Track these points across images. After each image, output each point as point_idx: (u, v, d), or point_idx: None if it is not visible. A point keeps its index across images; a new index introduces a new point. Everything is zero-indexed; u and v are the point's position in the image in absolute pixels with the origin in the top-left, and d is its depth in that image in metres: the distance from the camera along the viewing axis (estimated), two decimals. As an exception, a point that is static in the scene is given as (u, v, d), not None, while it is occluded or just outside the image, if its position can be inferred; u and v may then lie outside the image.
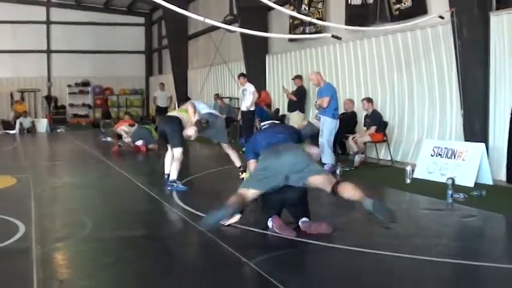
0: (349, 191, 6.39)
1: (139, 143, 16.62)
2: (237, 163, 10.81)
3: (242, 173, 10.27)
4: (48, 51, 32.52)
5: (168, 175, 10.11)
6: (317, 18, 15.49)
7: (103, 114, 30.14)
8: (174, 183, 9.79)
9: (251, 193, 6.58)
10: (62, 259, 6.05)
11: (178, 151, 9.96)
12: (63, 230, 7.23)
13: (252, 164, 7.37)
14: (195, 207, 8.16)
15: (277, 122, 8.04)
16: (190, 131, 9.98)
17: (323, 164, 11.26)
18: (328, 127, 11.82)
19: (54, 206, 8.89)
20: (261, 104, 17.64)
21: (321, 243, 6.26)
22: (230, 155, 10.90)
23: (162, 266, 5.63)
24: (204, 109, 10.66)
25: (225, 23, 15.81)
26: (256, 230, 6.79)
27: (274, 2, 12.81)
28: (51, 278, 5.31)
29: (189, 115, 10.29)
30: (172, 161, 10.10)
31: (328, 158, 11.67)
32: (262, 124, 8.04)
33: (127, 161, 15.02)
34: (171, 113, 11.02)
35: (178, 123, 10.08)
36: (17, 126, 25.63)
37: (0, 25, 30.90)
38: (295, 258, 5.98)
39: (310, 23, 16.02)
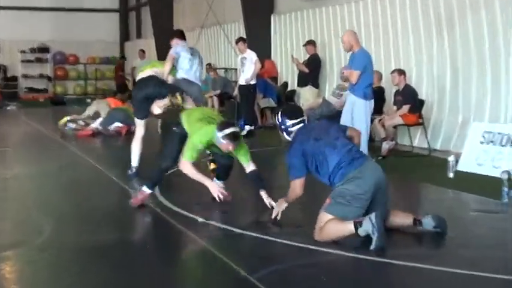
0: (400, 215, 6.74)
1: (114, 126, 16.45)
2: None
3: (211, 164, 10.15)
4: (-5, 8, 32.40)
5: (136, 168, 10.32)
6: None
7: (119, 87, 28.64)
8: (133, 169, 10.32)
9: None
10: (10, 271, 5.98)
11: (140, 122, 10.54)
12: (13, 235, 7.19)
13: (298, 185, 6.90)
14: (181, 205, 8.15)
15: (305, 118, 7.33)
16: (158, 107, 9.89)
17: None
18: (359, 111, 10.98)
19: (2, 204, 8.85)
20: (264, 77, 17.58)
21: (340, 252, 6.21)
22: None
23: (141, 280, 5.58)
24: (184, 67, 10.92)
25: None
26: (258, 235, 6.75)
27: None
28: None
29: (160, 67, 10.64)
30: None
31: (362, 149, 11.08)
32: (288, 126, 7.17)
33: (97, 147, 14.98)
34: (143, 74, 10.51)
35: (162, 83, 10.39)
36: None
37: None
38: (307, 272, 5.87)
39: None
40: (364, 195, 6.43)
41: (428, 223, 6.65)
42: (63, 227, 7.48)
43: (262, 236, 6.72)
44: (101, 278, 5.70)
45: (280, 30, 19.12)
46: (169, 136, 8.55)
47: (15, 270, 6.02)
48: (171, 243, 6.94)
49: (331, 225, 6.35)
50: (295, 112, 7.30)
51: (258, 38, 18.73)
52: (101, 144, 15.39)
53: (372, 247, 6.07)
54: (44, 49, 32.91)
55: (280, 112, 7.25)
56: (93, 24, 33.06)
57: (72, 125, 17.23)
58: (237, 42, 17.20)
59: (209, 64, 22.01)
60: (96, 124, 16.78)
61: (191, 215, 7.61)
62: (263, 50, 18.31)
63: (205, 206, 8.29)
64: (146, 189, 8.14)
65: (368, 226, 6.10)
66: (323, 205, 6.56)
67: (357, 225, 6.17)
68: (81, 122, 17.32)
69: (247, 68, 16.45)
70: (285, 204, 7.09)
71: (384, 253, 6.04)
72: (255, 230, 6.96)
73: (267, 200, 7.66)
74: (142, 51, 25.96)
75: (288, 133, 7.12)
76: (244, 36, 18.24)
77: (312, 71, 15.83)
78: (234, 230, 6.95)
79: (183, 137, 8.07)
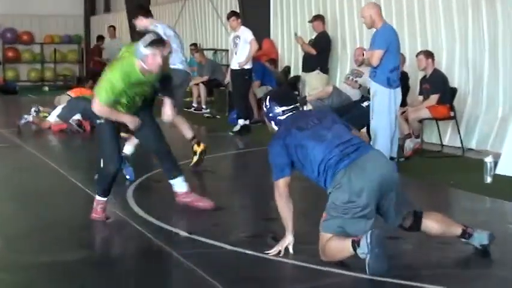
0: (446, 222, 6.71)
1: (75, 119, 16.48)
2: (188, 134, 11.32)
3: (198, 145, 11.20)
4: None
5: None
6: None
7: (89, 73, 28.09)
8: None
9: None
10: None
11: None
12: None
13: (281, 185, 6.73)
14: (159, 217, 8.24)
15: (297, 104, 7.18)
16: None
17: None
18: (381, 102, 10.82)
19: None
20: (261, 60, 17.65)
21: (345, 272, 6.23)
22: (178, 125, 11.28)
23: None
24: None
25: None
26: (252, 252, 6.79)
27: None
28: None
29: None
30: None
31: (383, 150, 10.48)
32: (277, 114, 6.99)
33: (59, 146, 15.03)
34: None
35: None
36: None
37: None
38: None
39: None
40: (357, 202, 6.23)
41: (479, 239, 6.55)
42: (19, 244, 7.53)
43: (257, 254, 6.73)
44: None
45: (281, 3, 19.16)
46: (98, 133, 8.34)
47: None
48: (146, 262, 6.97)
49: (332, 246, 6.27)
50: (286, 97, 7.16)
51: (254, 13, 18.76)
52: (63, 143, 15.43)
53: (367, 272, 5.97)
54: None
55: (268, 96, 7.07)
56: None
57: (28, 117, 17.21)
58: (228, 17, 17.17)
59: (194, 44, 22.07)
60: (52, 117, 16.78)
61: (172, 228, 7.69)
62: (260, 27, 18.35)
63: (189, 217, 8.38)
64: (100, 198, 8.23)
65: (364, 247, 5.96)
66: (320, 221, 6.49)
67: (355, 245, 6.04)
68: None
69: (240, 49, 16.43)
70: (289, 239, 6.75)
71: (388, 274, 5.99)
72: (248, 246, 6.98)
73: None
74: (113, 27, 25.98)
75: (277, 123, 6.93)
76: (238, 10, 18.30)
77: (320, 53, 15.83)
78: (224, 246, 7.00)
79: (113, 127, 8.10)
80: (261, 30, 18.01)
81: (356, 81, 13.59)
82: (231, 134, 15.22)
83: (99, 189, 8.28)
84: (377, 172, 6.34)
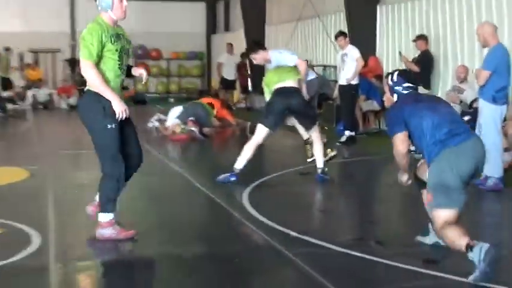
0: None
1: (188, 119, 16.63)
2: (320, 164, 11.06)
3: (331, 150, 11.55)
4: (72, -2, 33.15)
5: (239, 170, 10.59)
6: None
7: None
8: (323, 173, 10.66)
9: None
10: (88, 283, 6.21)
11: (316, 130, 10.84)
12: (91, 245, 7.41)
13: (399, 140, 6.67)
14: (273, 218, 8.20)
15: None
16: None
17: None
18: (487, 119, 10.37)
19: (79, 211, 9.06)
20: (368, 76, 17.54)
21: (448, 276, 6.14)
22: (314, 143, 11.15)
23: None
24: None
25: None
26: (357, 254, 6.71)
27: None
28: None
29: (299, 76, 10.94)
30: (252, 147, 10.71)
31: (495, 167, 10.21)
32: (402, 88, 6.95)
33: (182, 152, 15.19)
34: (282, 83, 10.90)
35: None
36: (29, 99, 26.35)
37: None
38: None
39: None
40: (462, 179, 6.32)
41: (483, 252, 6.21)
42: (146, 237, 7.59)
43: (362, 255, 6.67)
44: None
45: (386, 23, 19.00)
46: (102, 137, 7.30)
47: (95, 283, 6.24)
48: (260, 259, 7.02)
49: (448, 235, 6.24)
50: (411, 77, 7.18)
51: (361, 32, 18.65)
52: (185, 148, 15.58)
53: (470, 278, 5.91)
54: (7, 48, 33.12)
55: (396, 72, 7.08)
56: (176, 16, 33.44)
57: (156, 123, 17.43)
58: (336, 36, 17.14)
59: (306, 61, 22.06)
60: (170, 120, 17.09)
61: (283, 229, 7.67)
62: (367, 45, 18.22)
63: (299, 219, 8.35)
64: (110, 215, 7.33)
65: (475, 257, 5.92)
66: (426, 202, 6.55)
67: (468, 248, 6.00)
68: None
69: (348, 66, 16.41)
70: (404, 176, 7.01)
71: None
72: (353, 247, 6.92)
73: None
74: (231, 45, 26.13)
75: (398, 96, 6.91)
76: (346, 30, 18.24)
77: (423, 70, 15.63)
78: (332, 247, 6.96)
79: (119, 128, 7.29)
80: (367, 48, 17.89)
81: (458, 97, 13.41)
82: (338, 144, 15.13)
83: (110, 205, 7.37)
84: (477, 156, 6.47)
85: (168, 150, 15.15)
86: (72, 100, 27.03)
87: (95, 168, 12.74)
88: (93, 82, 7.10)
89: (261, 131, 10.78)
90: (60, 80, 31.12)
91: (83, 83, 24.62)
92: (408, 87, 6.86)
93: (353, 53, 16.23)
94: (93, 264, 6.67)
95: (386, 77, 7.11)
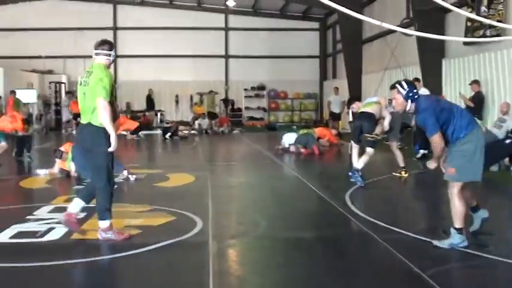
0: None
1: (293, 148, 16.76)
2: (401, 164, 11.39)
3: (405, 173, 11.31)
4: (226, 56, 33.77)
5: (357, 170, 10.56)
6: (497, 21, 14.78)
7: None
8: (356, 172, 10.36)
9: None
10: (235, 255, 6.28)
11: (371, 149, 10.66)
12: (237, 228, 7.50)
13: (439, 137, 6.26)
14: (367, 212, 8.06)
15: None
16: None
17: None
18: None
19: (229, 204, 9.21)
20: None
21: (501, 259, 5.87)
22: (396, 156, 11.42)
23: (333, 269, 5.65)
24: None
25: (401, 27, 15.54)
26: (430, 240, 6.48)
27: (451, 4, 12.38)
28: (226, 272, 5.53)
29: (381, 106, 10.99)
30: (359, 155, 10.84)
31: None
32: (415, 94, 6.52)
33: (300, 163, 15.17)
34: (363, 109, 11.14)
35: (374, 119, 10.71)
36: (196, 126, 26.93)
37: (182, 31, 32.67)
38: (473, 272, 5.71)
39: (490, 26, 15.33)
40: (481, 152, 6.20)
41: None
42: (275, 224, 7.68)
43: (431, 240, 6.43)
44: (303, 264, 5.84)
45: (449, 72, 18.58)
46: (102, 158, 6.54)
47: (240, 255, 6.30)
48: (356, 241, 6.91)
49: (456, 205, 6.19)
50: (414, 83, 6.74)
51: (431, 78, 18.27)
52: (304, 160, 15.56)
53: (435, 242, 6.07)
54: (261, 87, 33.81)
55: (404, 82, 6.60)
56: (298, 68, 33.56)
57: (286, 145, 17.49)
58: (413, 81, 16.90)
59: (390, 100, 21.69)
60: (286, 142, 17.25)
61: (375, 220, 7.52)
62: (435, 88, 17.81)
63: (388, 213, 8.23)
64: (109, 221, 6.63)
65: (455, 241, 6.14)
66: (449, 174, 6.26)
67: (458, 231, 6.18)
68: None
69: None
70: (434, 164, 6.49)
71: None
72: (426, 235, 6.70)
73: None
74: (337, 88, 25.97)
75: (413, 101, 6.44)
76: (419, 77, 17.92)
77: (476, 105, 15.21)
78: (410, 234, 6.78)
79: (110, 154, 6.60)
80: (435, 90, 17.48)
81: (501, 126, 12.99)
82: (415, 159, 14.78)
83: (107, 214, 6.60)
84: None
85: (287, 162, 15.14)
86: (223, 128, 27.54)
87: (240, 175, 13.03)
88: (106, 118, 6.38)
89: (353, 145, 11.16)
90: (217, 113, 31.64)
91: (234, 115, 24.62)
92: (417, 92, 6.51)
93: (425, 93, 15.86)
94: (239, 241, 6.72)
95: (393, 87, 6.65)
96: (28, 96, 27.29)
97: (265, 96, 33.88)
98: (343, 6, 7.57)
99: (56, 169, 11.89)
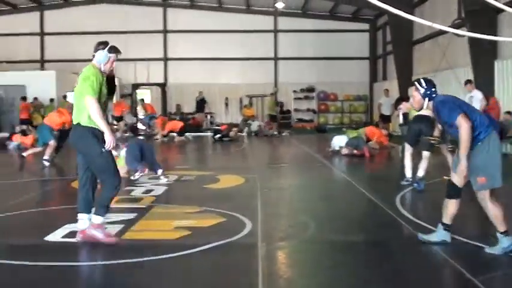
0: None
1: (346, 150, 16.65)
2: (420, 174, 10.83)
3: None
4: (275, 59, 33.84)
5: (411, 178, 10.51)
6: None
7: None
8: (419, 181, 10.25)
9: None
10: (284, 257, 6.27)
11: (428, 153, 10.54)
12: (287, 230, 7.49)
13: (465, 118, 5.98)
14: (418, 216, 7.97)
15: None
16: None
17: None
18: None
19: (279, 206, 9.20)
20: (489, 112, 16.83)
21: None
22: (447, 158, 10.84)
23: (382, 273, 5.59)
24: None
25: (453, 27, 15.32)
26: (482, 245, 6.37)
27: (504, 4, 12.14)
28: (275, 274, 5.53)
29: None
30: (413, 162, 10.69)
31: None
32: (433, 92, 6.36)
33: (349, 165, 15.09)
34: (422, 112, 10.88)
35: (432, 121, 10.46)
36: (245, 129, 27.04)
37: (231, 34, 32.88)
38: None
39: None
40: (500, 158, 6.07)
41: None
42: (324, 227, 7.64)
43: (480, 245, 6.33)
44: (353, 267, 5.81)
45: (502, 73, 18.25)
46: (104, 158, 6.43)
47: (289, 257, 6.29)
48: (406, 245, 6.78)
49: (492, 212, 6.08)
50: (433, 82, 6.53)
51: (483, 80, 17.98)
52: (353, 163, 15.47)
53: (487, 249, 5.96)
54: (311, 89, 33.78)
55: (423, 80, 6.42)
56: (348, 69, 33.44)
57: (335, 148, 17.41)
58: (465, 83, 16.67)
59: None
60: (337, 144, 17.15)
61: (424, 223, 7.41)
62: (487, 89, 17.54)
63: (437, 217, 8.11)
64: (103, 219, 6.56)
65: (505, 244, 5.97)
66: (479, 184, 6.02)
67: (505, 233, 6.01)
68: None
69: (474, 105, 15.85)
70: (464, 165, 6.04)
71: None
72: (475, 239, 6.60)
73: None
74: (387, 90, 25.75)
75: (430, 99, 6.31)
76: (472, 78, 17.65)
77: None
78: (459, 238, 6.62)
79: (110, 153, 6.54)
80: (488, 91, 17.20)
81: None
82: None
83: (104, 210, 6.53)
84: None
85: (337, 164, 15.07)
86: (272, 131, 27.58)
87: (289, 177, 13.02)
88: (96, 115, 6.27)
89: (407, 148, 10.86)
90: (266, 115, 31.72)
91: (283, 117, 24.60)
92: (435, 90, 6.37)
93: (478, 95, 15.76)
94: (288, 244, 6.72)
95: (412, 85, 6.49)
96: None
97: (314, 98, 33.82)
98: (393, 7, 7.52)
99: None
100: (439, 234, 6.41)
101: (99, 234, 6.46)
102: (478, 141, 6.02)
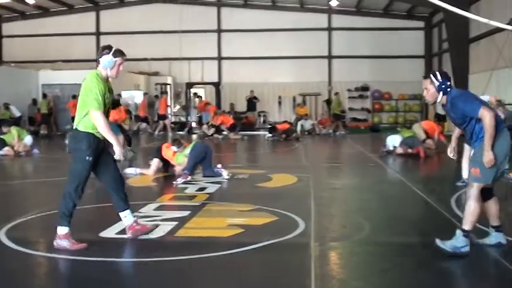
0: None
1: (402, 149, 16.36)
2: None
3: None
4: (329, 57, 33.64)
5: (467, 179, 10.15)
6: None
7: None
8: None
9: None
10: (338, 258, 6.20)
11: None
12: (340, 230, 7.43)
13: (487, 110, 5.86)
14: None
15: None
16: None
17: None
18: None
19: (332, 206, 9.14)
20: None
21: None
22: None
23: (439, 276, 5.47)
24: None
25: (510, 25, 14.96)
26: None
27: None
28: (328, 275, 5.48)
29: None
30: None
31: None
32: (448, 86, 6.17)
33: (404, 165, 14.89)
34: None
35: None
36: (298, 127, 26.97)
37: (284, 32, 32.84)
38: None
39: None
40: (505, 161, 5.95)
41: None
42: (379, 228, 7.53)
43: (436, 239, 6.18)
44: (410, 271, 5.67)
45: None
46: (81, 165, 6.33)
47: (342, 258, 6.22)
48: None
49: (473, 207, 5.98)
50: (448, 75, 6.31)
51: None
52: (406, 162, 15.26)
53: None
54: (365, 88, 33.44)
55: (438, 72, 6.23)
56: (403, 68, 32.93)
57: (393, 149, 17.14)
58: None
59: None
60: (392, 144, 16.76)
61: (481, 226, 7.24)
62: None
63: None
64: (67, 229, 6.29)
65: (458, 243, 5.95)
66: (472, 175, 6.00)
67: (465, 232, 6.00)
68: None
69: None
70: (490, 155, 5.85)
71: None
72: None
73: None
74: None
75: (444, 93, 6.12)
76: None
77: None
78: None
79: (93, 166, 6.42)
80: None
81: None
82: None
83: (65, 220, 6.28)
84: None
85: (391, 164, 14.89)
86: (326, 130, 27.46)
87: (343, 177, 12.93)
88: (104, 128, 6.25)
89: (466, 148, 10.49)
90: (320, 114, 31.60)
91: (339, 116, 24.30)
92: (451, 84, 6.16)
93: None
94: (342, 244, 6.64)
95: (427, 77, 6.27)
96: (135, 97, 28.52)
97: (369, 97, 33.49)
98: (449, 4, 7.38)
99: (151, 171, 12.14)
100: (493, 237, 6.28)
101: (66, 245, 6.25)
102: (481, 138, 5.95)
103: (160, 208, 8.58)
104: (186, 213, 8.06)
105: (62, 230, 6.29)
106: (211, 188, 10.40)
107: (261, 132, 27.40)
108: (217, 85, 32.52)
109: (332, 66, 33.72)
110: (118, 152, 6.36)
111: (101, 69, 6.45)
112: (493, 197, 6.23)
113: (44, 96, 28.14)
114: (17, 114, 25.15)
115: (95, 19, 34.75)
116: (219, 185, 10.76)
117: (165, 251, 6.26)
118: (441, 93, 6.14)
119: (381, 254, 6.28)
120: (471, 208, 5.98)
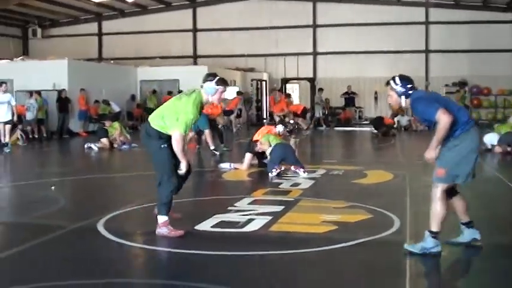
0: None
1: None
2: None
3: None
4: (426, 51, 32.87)
5: None
6: None
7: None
8: None
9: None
10: (433, 257, 6.02)
11: None
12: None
13: (444, 111, 5.61)
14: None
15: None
16: None
17: None
18: None
19: (429, 204, 8.89)
20: None
21: None
22: None
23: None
24: None
25: None
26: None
27: None
28: (423, 274, 5.38)
29: None
30: None
31: None
32: (408, 89, 5.94)
33: (503, 163, 14.40)
34: None
35: None
36: (396, 123, 26.57)
37: (380, 27, 32.34)
38: None
39: None
40: (476, 152, 5.86)
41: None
42: (476, 226, 7.24)
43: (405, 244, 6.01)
44: (506, 274, 5.44)
45: None
46: (161, 154, 6.61)
47: (438, 257, 6.04)
48: None
49: (439, 209, 5.88)
50: (411, 79, 6.02)
51: None
52: (508, 161, 14.71)
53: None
54: (463, 83, 32.47)
55: (398, 77, 5.96)
56: (502, 62, 31.75)
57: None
58: None
59: None
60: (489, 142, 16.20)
61: None
62: None
63: None
64: (166, 217, 6.63)
65: (428, 244, 5.78)
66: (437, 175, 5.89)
67: (433, 234, 5.83)
68: None
69: None
70: (432, 153, 5.79)
71: None
72: None
73: None
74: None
75: (406, 96, 5.90)
76: None
77: None
78: None
79: (173, 151, 6.58)
80: None
81: None
82: None
83: (165, 208, 6.63)
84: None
85: (489, 162, 14.44)
86: (423, 126, 26.84)
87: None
88: (179, 149, 6.46)
89: None
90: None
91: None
92: (412, 87, 5.89)
93: None
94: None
95: (388, 83, 6.01)
96: (231, 93, 28.87)
97: (467, 92, 32.51)
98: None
99: (244, 165, 12.20)
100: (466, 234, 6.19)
101: (164, 231, 6.56)
102: (452, 137, 5.71)
103: (255, 202, 8.65)
104: (280, 208, 8.08)
105: (161, 219, 6.59)
106: (306, 184, 10.38)
107: (357, 129, 27.06)
108: (312, 81, 32.42)
109: (429, 60, 32.94)
110: (183, 170, 6.59)
111: (204, 94, 6.65)
112: (458, 193, 6.10)
113: (154, 92, 28.92)
114: (117, 109, 25.93)
115: (191, 16, 35.41)
116: (314, 181, 10.73)
117: (257, 245, 6.31)
118: (403, 97, 5.96)
119: (479, 254, 6.09)
120: (437, 210, 5.85)
